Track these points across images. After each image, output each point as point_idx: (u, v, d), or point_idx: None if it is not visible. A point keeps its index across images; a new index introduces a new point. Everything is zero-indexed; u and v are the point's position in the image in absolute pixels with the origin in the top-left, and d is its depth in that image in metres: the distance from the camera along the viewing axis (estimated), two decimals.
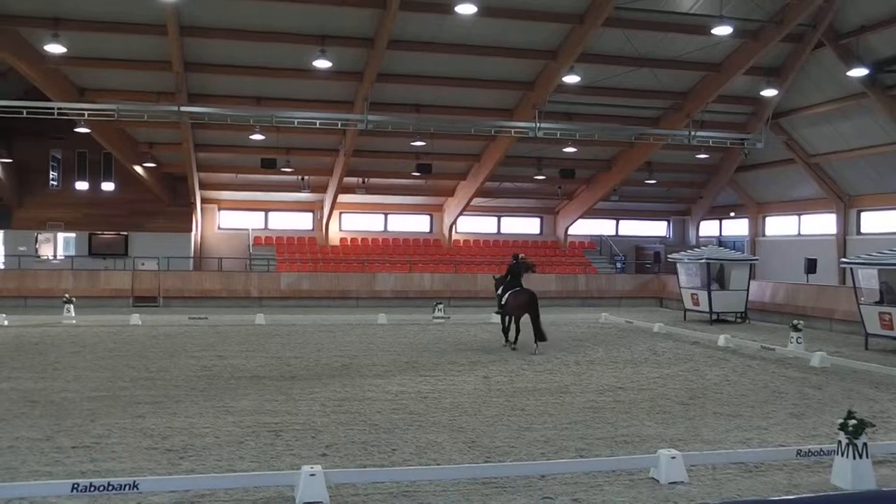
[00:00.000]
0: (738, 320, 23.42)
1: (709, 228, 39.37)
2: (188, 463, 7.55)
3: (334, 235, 34.74)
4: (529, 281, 29.70)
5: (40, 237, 32.06)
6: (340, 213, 34.94)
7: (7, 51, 21.92)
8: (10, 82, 26.51)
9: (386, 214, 36.09)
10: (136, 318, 20.73)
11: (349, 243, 34.80)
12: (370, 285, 28.93)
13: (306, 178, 32.00)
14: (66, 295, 22.04)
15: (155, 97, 24.74)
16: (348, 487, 6.79)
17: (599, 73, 24.98)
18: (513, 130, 25.89)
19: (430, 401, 10.74)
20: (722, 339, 17.49)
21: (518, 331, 16.59)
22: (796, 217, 34.19)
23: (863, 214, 30.51)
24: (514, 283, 16.64)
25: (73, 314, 21.18)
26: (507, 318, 16.76)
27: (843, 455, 7.00)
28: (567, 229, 36.94)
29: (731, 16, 21.33)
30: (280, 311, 24.78)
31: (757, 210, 36.10)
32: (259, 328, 20.20)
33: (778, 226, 35.38)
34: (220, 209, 34.63)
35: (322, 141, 28.87)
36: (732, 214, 37.68)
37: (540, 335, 15.88)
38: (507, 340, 16.72)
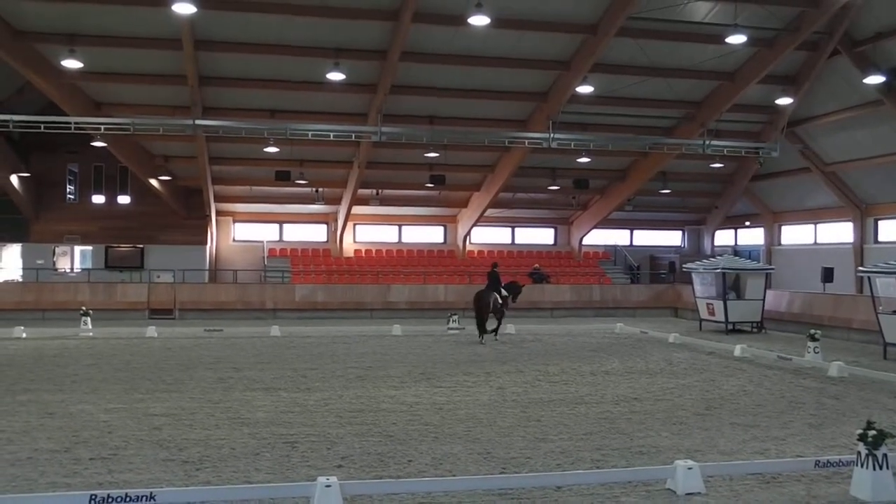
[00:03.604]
0: (755, 330, 23.24)
1: (724, 238, 39.16)
2: (204, 474, 7.57)
3: (349, 247, 34.84)
4: (543, 291, 30.28)
5: (57, 250, 32.33)
6: (355, 225, 35.05)
7: (25, 66, 22.22)
8: (28, 98, 26.85)
9: (400, 226, 36.16)
10: (152, 331, 20.85)
11: (363, 255, 34.89)
12: (385, 297, 28.95)
13: (320, 189, 32.13)
14: (83, 307, 22.24)
15: (170, 111, 24.98)
16: (364, 499, 6.79)
17: (613, 83, 24.97)
18: (526, 141, 25.88)
19: (446, 412, 10.73)
20: (738, 349, 17.36)
21: (484, 326, 19.43)
22: (812, 226, 33.95)
23: (880, 223, 30.26)
24: (488, 288, 19.88)
25: (90, 327, 21.38)
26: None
27: (862, 466, 6.93)
28: (581, 239, 36.87)
29: (745, 24, 21.19)
30: (295, 323, 24.85)
31: (772, 219, 35.88)
32: (274, 340, 20.26)
33: (794, 235, 35.15)
34: (234, 221, 34.81)
35: (336, 153, 28.99)
36: (748, 224, 37.48)
37: (480, 329, 19.29)
38: (479, 336, 19.64)
